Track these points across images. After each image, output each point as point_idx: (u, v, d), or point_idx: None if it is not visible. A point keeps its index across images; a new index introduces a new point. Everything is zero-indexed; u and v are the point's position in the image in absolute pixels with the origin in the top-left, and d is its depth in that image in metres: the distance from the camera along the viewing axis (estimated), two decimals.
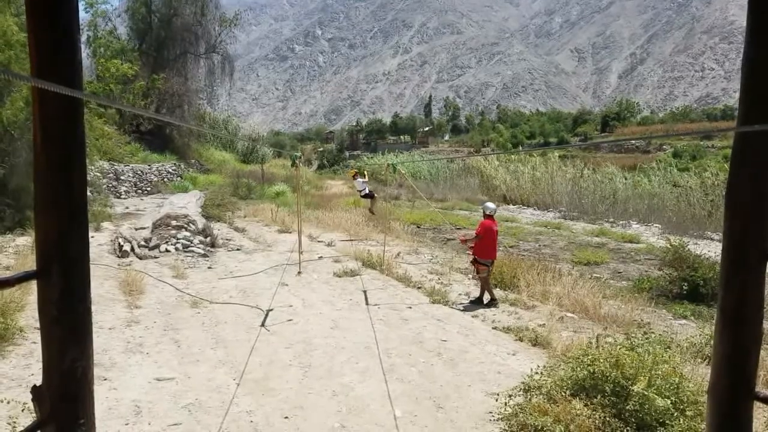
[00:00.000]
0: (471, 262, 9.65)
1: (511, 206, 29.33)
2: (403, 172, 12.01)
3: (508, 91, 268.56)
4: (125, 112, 30.90)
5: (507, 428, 4.81)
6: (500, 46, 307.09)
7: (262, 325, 7.80)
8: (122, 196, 24.83)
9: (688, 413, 4.27)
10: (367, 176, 18.32)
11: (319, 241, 15.12)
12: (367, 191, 17.40)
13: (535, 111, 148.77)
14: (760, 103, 1.59)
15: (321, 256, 13.03)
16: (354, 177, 18.01)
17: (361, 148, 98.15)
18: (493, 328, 7.86)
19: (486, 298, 9.24)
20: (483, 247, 9.13)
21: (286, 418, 5.07)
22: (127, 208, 20.95)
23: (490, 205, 9.75)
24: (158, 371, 6.04)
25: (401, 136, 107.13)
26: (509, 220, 22.24)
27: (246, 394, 5.53)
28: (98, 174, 23.04)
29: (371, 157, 64.54)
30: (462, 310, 8.86)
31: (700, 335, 6.88)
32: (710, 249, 12.80)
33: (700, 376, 5.22)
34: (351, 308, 8.86)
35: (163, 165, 31.44)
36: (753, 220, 1.60)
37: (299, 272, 11.10)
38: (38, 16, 1.55)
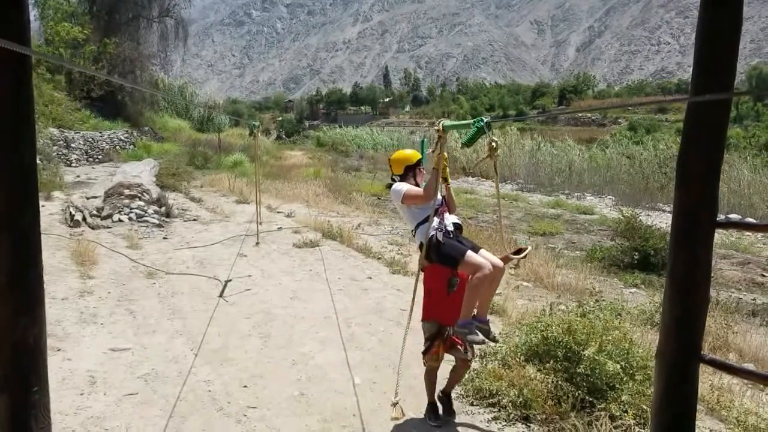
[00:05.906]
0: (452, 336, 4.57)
1: (470, 179, 29.60)
2: (496, 140, 4.02)
3: (468, 63, 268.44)
4: (75, 78, 29.73)
5: (463, 393, 4.94)
6: (461, 17, 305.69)
7: (221, 295, 7.72)
8: (73, 164, 24.00)
9: (637, 377, 4.43)
10: (446, 183, 4.28)
11: (278, 212, 14.98)
12: (440, 235, 4.01)
13: (495, 83, 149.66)
14: (710, 73, 1.63)
15: (280, 227, 12.93)
16: (391, 182, 4.52)
17: (321, 118, 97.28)
18: None
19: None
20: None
21: (245, 387, 5.07)
22: (78, 176, 20.29)
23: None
24: (113, 342, 5.94)
25: (362, 107, 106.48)
26: (468, 192, 22.51)
27: (204, 364, 5.50)
28: (48, 141, 22.20)
29: (330, 128, 63.44)
30: None
31: (649, 303, 7.12)
32: (662, 220, 13.20)
33: (649, 342, 5.41)
34: (311, 278, 8.85)
35: (115, 132, 30.42)
36: (703, 188, 1.64)
37: (257, 242, 10.99)
38: None
